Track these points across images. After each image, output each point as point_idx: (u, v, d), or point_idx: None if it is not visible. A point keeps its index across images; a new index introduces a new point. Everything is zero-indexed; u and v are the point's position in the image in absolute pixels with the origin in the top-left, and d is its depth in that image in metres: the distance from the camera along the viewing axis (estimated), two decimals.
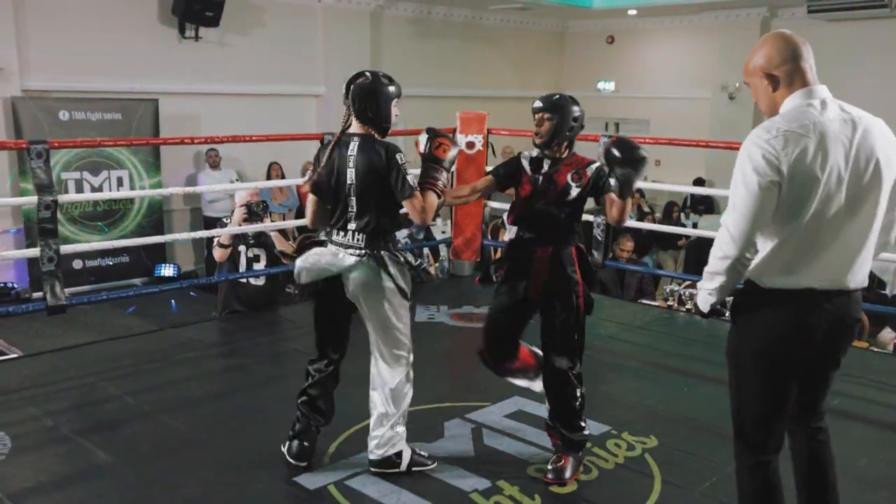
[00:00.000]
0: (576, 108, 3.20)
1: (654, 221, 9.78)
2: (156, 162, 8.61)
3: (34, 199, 4.35)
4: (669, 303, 6.20)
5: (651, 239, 9.53)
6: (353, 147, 3.02)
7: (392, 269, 3.01)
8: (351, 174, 2.99)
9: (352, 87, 3.09)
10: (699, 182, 10.67)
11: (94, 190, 8.19)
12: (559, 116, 3.16)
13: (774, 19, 10.90)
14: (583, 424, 3.20)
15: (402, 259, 3.06)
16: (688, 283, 6.28)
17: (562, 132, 3.17)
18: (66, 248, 4.52)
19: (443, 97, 10.92)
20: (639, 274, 6.97)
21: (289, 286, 6.54)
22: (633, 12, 11.90)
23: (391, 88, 3.11)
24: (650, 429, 3.62)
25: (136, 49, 8.42)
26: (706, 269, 2.33)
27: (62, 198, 4.66)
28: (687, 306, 5.99)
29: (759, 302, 2.30)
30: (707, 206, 11.04)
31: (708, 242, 2.55)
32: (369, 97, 3.06)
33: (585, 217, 6.23)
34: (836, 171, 2.16)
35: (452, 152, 3.11)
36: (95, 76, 8.12)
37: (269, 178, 9.25)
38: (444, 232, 7.48)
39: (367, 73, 3.15)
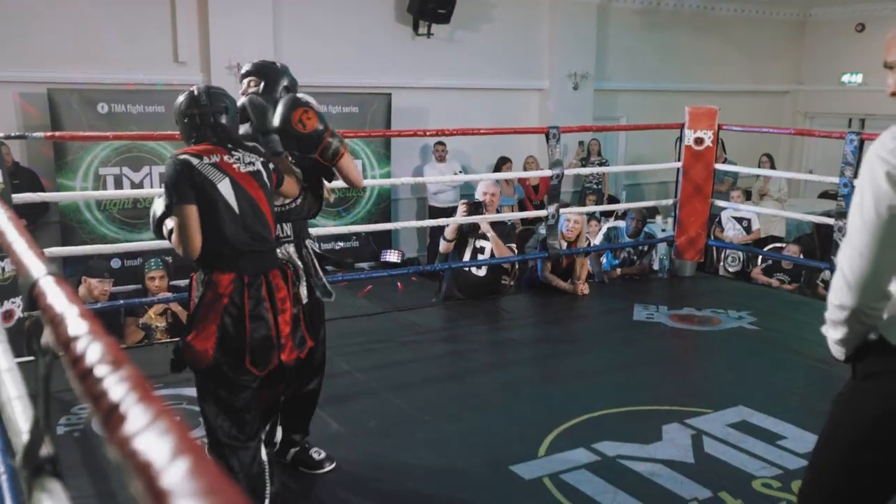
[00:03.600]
0: None
1: None
2: (386, 153, 9.08)
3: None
4: None
5: None
6: None
7: None
8: None
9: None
10: None
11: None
12: None
13: None
14: None
15: None
16: None
17: None
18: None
19: (670, 91, 10.61)
20: None
21: (504, 277, 6.68)
22: None
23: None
24: None
25: (373, 46, 8.92)
26: (827, 314, 1.84)
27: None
28: None
29: (887, 366, 1.77)
30: None
31: None
32: None
33: (824, 220, 5.86)
34: None
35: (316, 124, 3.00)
36: (337, 72, 8.70)
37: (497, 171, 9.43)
38: (664, 230, 7.27)
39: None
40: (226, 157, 2.60)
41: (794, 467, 3.18)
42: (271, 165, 2.78)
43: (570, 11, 10.13)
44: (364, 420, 3.66)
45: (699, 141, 6.07)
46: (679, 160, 6.24)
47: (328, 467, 3.17)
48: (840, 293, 1.76)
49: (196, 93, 2.68)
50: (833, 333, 1.85)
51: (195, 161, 2.55)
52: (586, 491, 2.99)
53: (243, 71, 3.29)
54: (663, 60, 10.97)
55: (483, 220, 5.44)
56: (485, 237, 5.42)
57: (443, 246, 5.47)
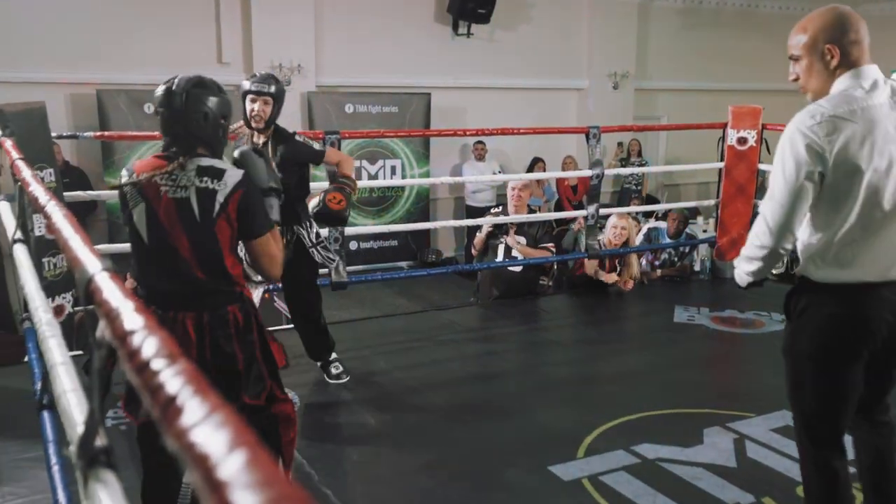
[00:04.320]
0: None
1: None
2: (425, 152, 9.11)
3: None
4: None
5: None
6: None
7: None
8: None
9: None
10: None
11: (370, 178, 8.83)
12: None
13: None
14: None
15: None
16: None
17: None
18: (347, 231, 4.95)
19: (712, 90, 10.48)
20: None
21: (542, 278, 6.65)
22: None
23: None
24: None
25: (413, 47, 8.95)
26: (743, 250, 2.34)
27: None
28: None
29: (815, 300, 2.24)
30: None
31: None
32: None
33: None
34: (886, 160, 2.06)
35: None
36: (376, 72, 8.76)
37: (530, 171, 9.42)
38: (705, 231, 7.19)
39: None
40: (157, 178, 2.27)
41: None
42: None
43: (611, 11, 10.07)
44: (402, 418, 3.68)
45: (742, 141, 5.99)
46: (721, 160, 6.16)
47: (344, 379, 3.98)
48: (762, 236, 2.23)
49: (174, 87, 2.29)
50: (747, 266, 2.34)
51: (125, 178, 2.32)
52: (625, 493, 2.98)
53: (260, 86, 3.43)
54: (705, 59, 10.84)
55: (511, 223, 5.44)
56: (518, 233, 5.41)
57: (474, 251, 5.57)
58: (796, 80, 2.29)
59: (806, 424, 2.37)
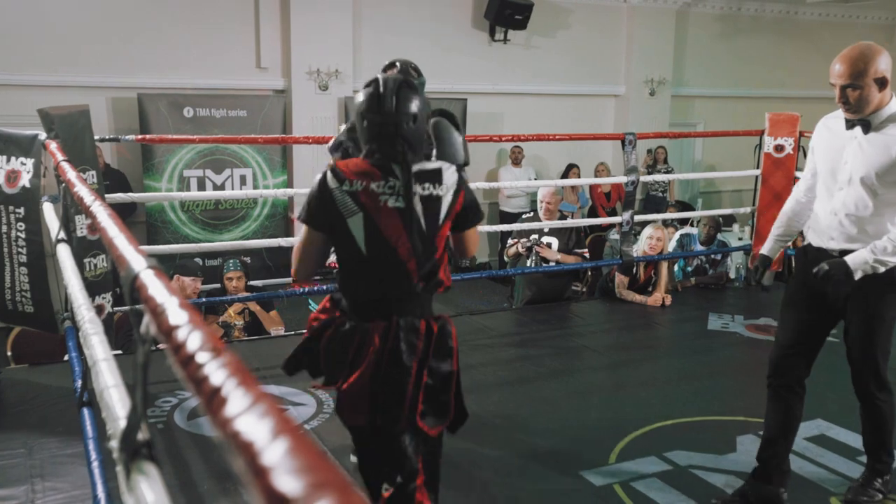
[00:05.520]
0: None
1: None
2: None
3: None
4: None
5: None
6: None
7: None
8: None
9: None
10: None
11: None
12: None
13: None
14: None
15: None
16: None
17: None
18: None
19: (750, 97, 10.40)
20: None
21: (576, 284, 6.65)
22: None
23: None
24: None
25: (449, 52, 8.99)
26: (886, 244, 2.64)
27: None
28: None
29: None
30: None
31: None
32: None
33: None
34: None
35: None
36: None
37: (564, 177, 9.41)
38: (740, 238, 7.12)
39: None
40: (373, 185, 2.11)
41: None
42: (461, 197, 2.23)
43: (649, 17, 10.03)
44: None
45: (779, 148, 5.93)
46: (758, 167, 6.10)
47: None
48: None
49: (382, 90, 2.12)
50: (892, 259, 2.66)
51: (333, 185, 2.13)
52: (657, 499, 2.97)
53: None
54: (743, 66, 10.75)
55: (550, 236, 5.45)
56: (548, 234, 5.43)
57: (506, 257, 5.59)
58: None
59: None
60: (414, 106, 2.13)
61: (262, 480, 0.56)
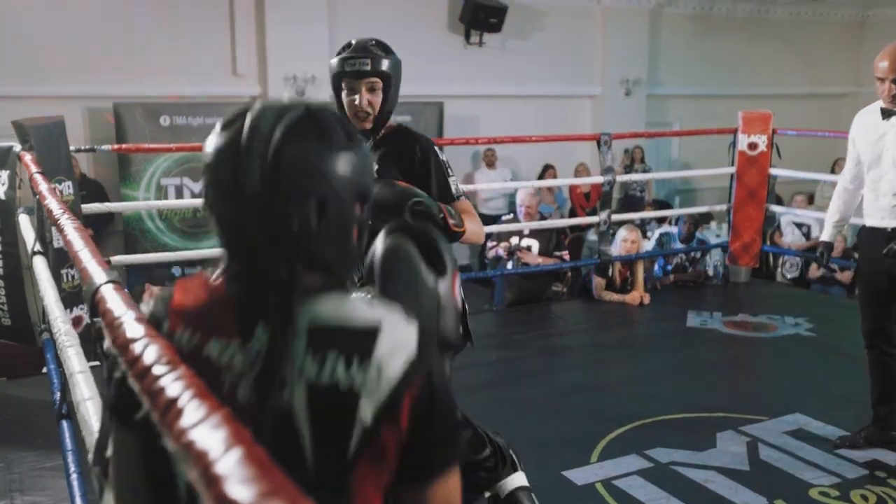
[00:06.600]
0: None
1: None
2: None
3: None
4: None
5: None
6: None
7: None
8: None
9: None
10: None
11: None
12: None
13: None
14: None
15: None
16: None
17: None
18: None
19: (723, 96, 10.46)
20: None
21: (556, 284, 6.67)
22: None
23: None
24: None
25: (425, 56, 8.96)
26: None
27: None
28: None
29: None
30: None
31: None
32: None
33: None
34: None
35: None
36: None
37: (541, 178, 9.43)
38: (718, 235, 7.18)
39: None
40: (212, 346, 1.16)
41: (853, 476, 3.13)
42: None
43: (622, 18, 10.08)
44: None
45: (753, 146, 5.99)
46: (733, 165, 6.16)
47: None
48: None
49: (245, 138, 1.07)
50: None
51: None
52: (639, 497, 2.99)
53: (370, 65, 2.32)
54: (717, 65, 10.83)
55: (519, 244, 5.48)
56: (528, 236, 5.46)
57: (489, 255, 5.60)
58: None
59: None
60: (326, 172, 1.01)
61: (214, 489, 0.57)
